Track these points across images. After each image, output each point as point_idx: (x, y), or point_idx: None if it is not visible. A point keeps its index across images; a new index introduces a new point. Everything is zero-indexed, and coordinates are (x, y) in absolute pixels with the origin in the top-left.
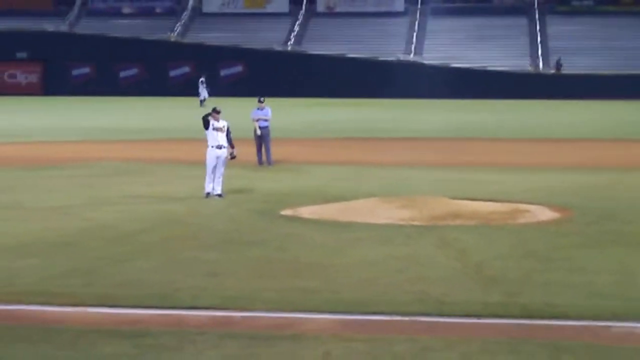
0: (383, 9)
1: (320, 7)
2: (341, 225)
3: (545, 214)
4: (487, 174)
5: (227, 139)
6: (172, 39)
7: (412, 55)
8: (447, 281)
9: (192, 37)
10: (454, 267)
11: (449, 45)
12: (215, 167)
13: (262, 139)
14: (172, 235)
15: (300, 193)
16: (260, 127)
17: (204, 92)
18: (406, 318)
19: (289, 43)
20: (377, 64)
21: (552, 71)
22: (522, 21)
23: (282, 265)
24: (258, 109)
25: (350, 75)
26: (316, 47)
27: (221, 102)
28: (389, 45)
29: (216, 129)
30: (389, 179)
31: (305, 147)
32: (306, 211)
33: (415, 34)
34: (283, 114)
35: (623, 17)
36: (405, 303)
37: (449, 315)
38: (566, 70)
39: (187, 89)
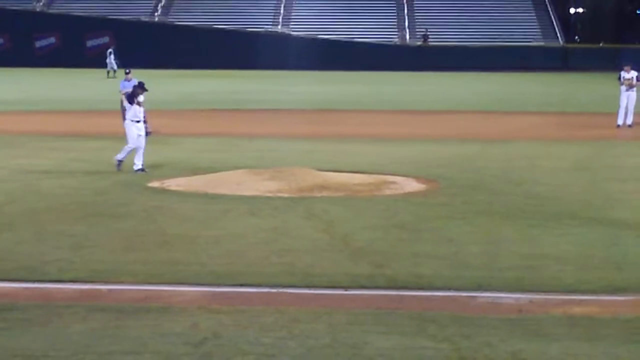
0: None
1: None
2: (209, 197)
3: (411, 185)
4: (355, 146)
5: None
6: (38, 9)
7: (279, 26)
8: (314, 253)
9: (58, 7)
10: (321, 238)
11: (317, 16)
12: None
13: None
14: (39, 208)
15: (168, 165)
16: None
17: (112, 63)
18: (273, 290)
19: (156, 14)
20: (245, 34)
21: (419, 43)
22: None
23: (149, 238)
24: (125, 80)
25: (218, 47)
26: (184, 18)
27: (88, 73)
28: (257, 16)
29: (139, 103)
30: (257, 150)
31: (173, 119)
32: (174, 183)
33: (283, 5)
34: (150, 85)
35: None
36: (273, 275)
37: (316, 287)
38: (433, 42)
39: (54, 60)
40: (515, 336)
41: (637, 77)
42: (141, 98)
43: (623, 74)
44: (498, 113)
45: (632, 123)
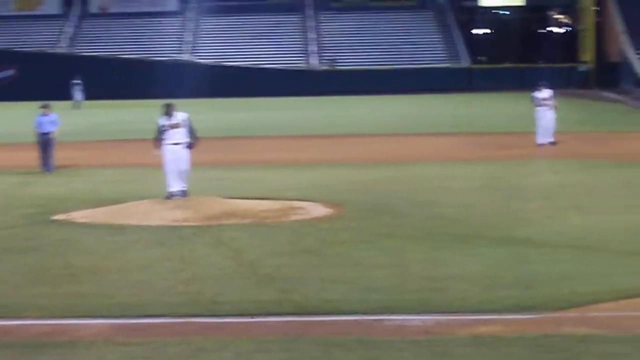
0: (157, 8)
1: (94, 8)
2: (114, 228)
3: (318, 210)
4: (262, 172)
5: (189, 131)
6: None
7: (186, 54)
8: (221, 281)
9: None
10: (228, 266)
11: (224, 44)
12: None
13: (47, 145)
14: None
15: (73, 197)
16: (44, 133)
17: (77, 94)
18: (180, 320)
19: (61, 45)
20: (151, 64)
21: (326, 68)
22: (296, 18)
23: (55, 271)
24: (42, 115)
25: (125, 76)
26: (90, 49)
27: None
28: (163, 45)
29: (172, 127)
30: (162, 180)
31: (79, 150)
32: (79, 215)
33: (189, 33)
34: (59, 117)
35: (396, 12)
36: (180, 304)
37: (223, 315)
38: (341, 66)
39: None
40: (422, 358)
41: (552, 95)
42: (177, 119)
43: (536, 94)
44: (407, 135)
45: (554, 140)
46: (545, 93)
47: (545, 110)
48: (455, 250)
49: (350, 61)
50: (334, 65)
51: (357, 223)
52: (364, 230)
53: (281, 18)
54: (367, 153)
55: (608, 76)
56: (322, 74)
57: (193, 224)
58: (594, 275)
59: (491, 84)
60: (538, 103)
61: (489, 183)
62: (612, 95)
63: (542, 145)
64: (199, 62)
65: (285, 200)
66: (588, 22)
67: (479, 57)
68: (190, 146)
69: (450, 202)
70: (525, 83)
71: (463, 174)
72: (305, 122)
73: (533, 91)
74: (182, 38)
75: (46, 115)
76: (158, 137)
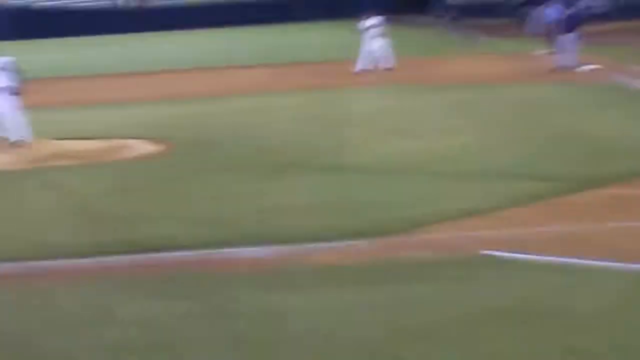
0: None
1: None
2: None
3: (145, 147)
4: (86, 112)
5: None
6: None
7: None
8: (54, 223)
9: None
10: (57, 208)
11: None
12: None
13: None
14: None
15: None
16: None
17: None
18: (11, 263)
19: None
20: None
21: (136, 4)
22: None
23: None
24: None
25: None
26: None
27: None
28: None
29: None
30: None
31: None
32: None
33: None
34: None
35: None
36: (18, 250)
37: (59, 257)
38: (150, 2)
39: None
40: (259, 289)
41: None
42: None
43: (362, 22)
44: (227, 68)
45: (391, 66)
46: (372, 21)
47: (370, 39)
48: (283, 181)
49: None
50: (144, 2)
51: (184, 158)
52: (191, 165)
53: None
54: (187, 89)
55: (419, 1)
56: (133, 11)
57: (20, 167)
58: (421, 199)
59: (308, 13)
60: (363, 31)
61: (311, 112)
62: (428, 20)
63: (360, 72)
64: (3, 4)
65: (113, 139)
66: None
67: None
68: (15, 92)
69: (273, 133)
70: (342, 12)
71: (284, 104)
72: (123, 59)
73: (359, 20)
74: None
75: None
76: None
